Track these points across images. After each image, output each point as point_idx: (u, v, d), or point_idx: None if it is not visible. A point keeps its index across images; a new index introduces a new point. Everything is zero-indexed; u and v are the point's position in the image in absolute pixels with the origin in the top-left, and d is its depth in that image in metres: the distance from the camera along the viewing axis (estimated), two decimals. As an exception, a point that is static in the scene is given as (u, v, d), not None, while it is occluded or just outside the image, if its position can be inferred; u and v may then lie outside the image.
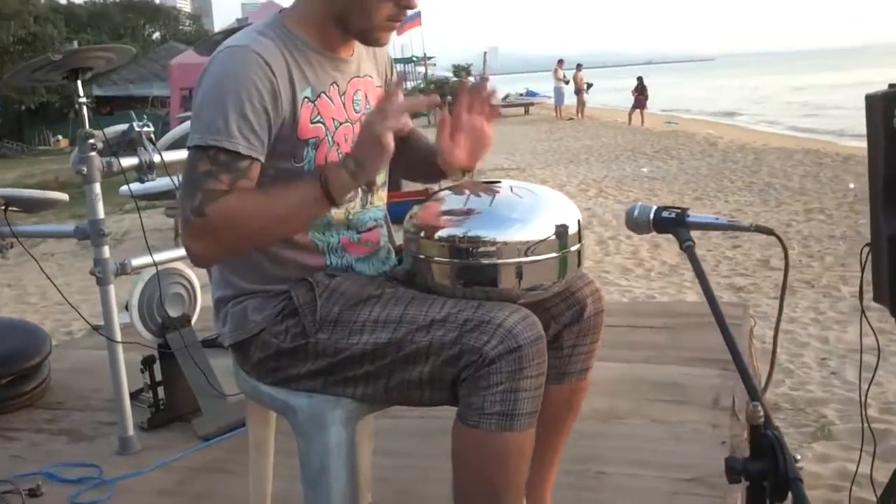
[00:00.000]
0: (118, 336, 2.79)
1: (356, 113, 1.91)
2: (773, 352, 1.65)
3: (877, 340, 2.45)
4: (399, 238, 1.99)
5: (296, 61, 1.80)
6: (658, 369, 3.23)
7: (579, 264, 1.88)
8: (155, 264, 2.88)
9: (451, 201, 1.85)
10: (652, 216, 1.74)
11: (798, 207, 9.78)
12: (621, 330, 3.64)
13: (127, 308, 3.00)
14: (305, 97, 1.80)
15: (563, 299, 1.97)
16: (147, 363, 3.02)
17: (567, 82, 29.50)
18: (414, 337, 1.71)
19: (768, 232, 1.69)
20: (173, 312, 3.04)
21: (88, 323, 3.00)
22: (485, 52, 27.87)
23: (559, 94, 29.92)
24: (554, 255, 1.79)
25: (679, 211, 1.71)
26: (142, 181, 2.86)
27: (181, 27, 56.76)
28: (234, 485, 2.55)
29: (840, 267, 7.01)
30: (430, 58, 36.88)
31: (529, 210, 1.82)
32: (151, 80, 30.45)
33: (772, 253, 7.61)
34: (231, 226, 1.70)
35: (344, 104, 1.89)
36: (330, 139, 1.84)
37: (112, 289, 2.80)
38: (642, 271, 7.31)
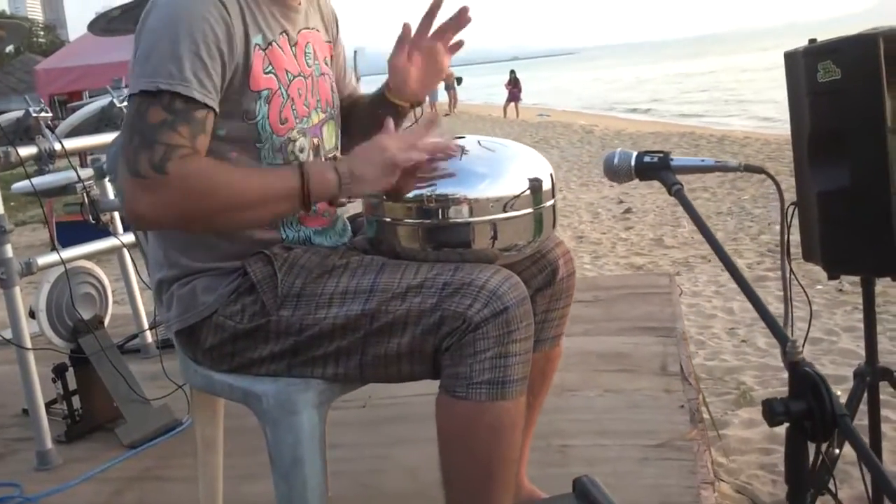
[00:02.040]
0: (28, 343, 2.54)
1: (308, 67, 1.75)
2: (786, 298, 1.57)
3: (809, 302, 2.43)
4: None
5: (247, 3, 1.63)
6: (600, 341, 3.17)
7: (554, 223, 1.77)
8: (63, 262, 2.64)
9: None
10: (633, 162, 1.66)
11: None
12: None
13: (32, 315, 2.75)
14: (257, 44, 1.63)
15: (533, 262, 1.86)
16: (59, 371, 2.77)
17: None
18: (388, 306, 1.57)
19: (758, 171, 1.62)
20: (85, 314, 2.80)
21: (-2, 333, 2.72)
22: (354, 52, 27.68)
23: (432, 91, 29.92)
24: (529, 211, 1.68)
25: (661, 155, 1.64)
26: (42, 172, 2.61)
27: (35, 39, 54.66)
28: (173, 492, 2.37)
29: (732, 241, 7.15)
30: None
31: (500, 164, 1.70)
32: (9, 95, 29.06)
33: (664, 232, 7.72)
34: (191, 193, 1.50)
35: (296, 56, 1.72)
36: (284, 92, 1.67)
37: (18, 291, 2.54)
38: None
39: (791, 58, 2.17)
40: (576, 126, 20.24)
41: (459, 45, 1.85)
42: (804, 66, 2.09)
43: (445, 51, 1.85)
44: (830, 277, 2.29)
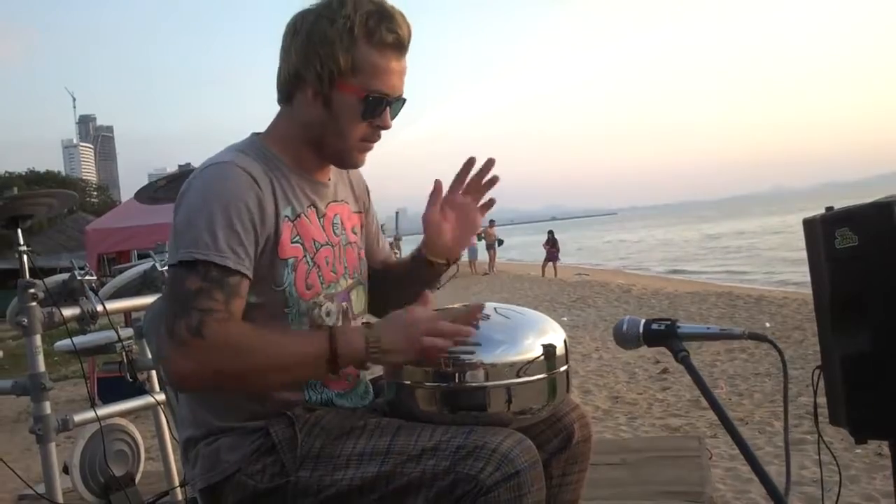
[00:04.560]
0: (60, 498, 2.60)
1: (336, 237, 1.86)
2: (787, 461, 1.60)
3: (838, 468, 2.42)
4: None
5: (277, 180, 1.76)
6: (626, 507, 3.13)
7: (567, 387, 1.82)
8: (98, 419, 2.72)
9: None
10: (641, 330, 1.72)
11: (719, 347, 9.89)
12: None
13: (66, 470, 2.81)
14: (286, 216, 1.75)
15: (549, 426, 1.89)
16: (89, 528, 2.80)
17: (481, 238, 30.06)
18: (404, 468, 1.62)
19: (762, 339, 1.68)
20: (117, 471, 2.85)
21: (32, 489, 2.76)
22: (396, 213, 28.30)
23: (473, 250, 30.33)
24: (543, 376, 1.74)
25: (668, 322, 1.70)
26: (84, 332, 2.73)
27: (88, 199, 56.65)
28: None
29: (769, 403, 7.04)
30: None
31: (515, 330, 1.77)
32: (59, 252, 29.93)
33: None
34: (228, 356, 1.61)
35: (323, 227, 1.84)
36: (309, 260, 1.79)
37: (53, 447, 2.61)
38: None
39: (809, 225, 2.21)
40: (613, 285, 20.29)
41: (491, 203, 1.96)
42: (822, 232, 2.13)
43: (477, 208, 1.95)
44: (858, 442, 2.27)
